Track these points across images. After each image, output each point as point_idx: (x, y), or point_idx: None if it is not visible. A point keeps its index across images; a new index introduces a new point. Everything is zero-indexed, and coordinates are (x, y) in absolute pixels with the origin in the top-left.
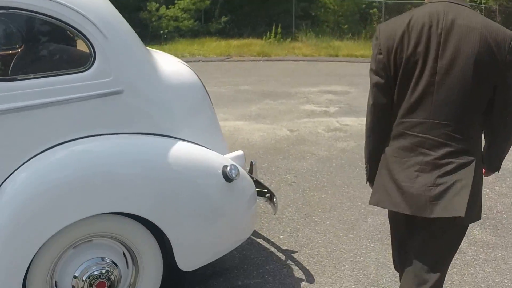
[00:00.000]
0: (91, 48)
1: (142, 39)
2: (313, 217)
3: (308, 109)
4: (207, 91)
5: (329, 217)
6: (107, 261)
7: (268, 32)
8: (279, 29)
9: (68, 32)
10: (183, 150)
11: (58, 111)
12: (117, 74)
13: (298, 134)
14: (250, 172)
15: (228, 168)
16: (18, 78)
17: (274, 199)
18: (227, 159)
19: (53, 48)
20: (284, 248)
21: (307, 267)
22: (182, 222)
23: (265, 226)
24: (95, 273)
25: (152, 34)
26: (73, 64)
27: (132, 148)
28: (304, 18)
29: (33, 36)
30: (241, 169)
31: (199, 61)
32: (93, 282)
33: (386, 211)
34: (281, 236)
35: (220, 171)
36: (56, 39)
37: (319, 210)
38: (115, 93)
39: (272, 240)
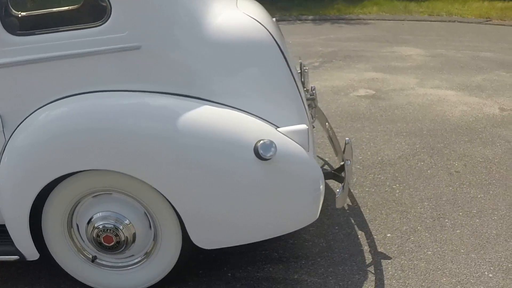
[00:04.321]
0: (107, 2)
1: None
2: (446, 220)
3: None
4: (283, 55)
5: (465, 224)
6: (123, 219)
7: None
8: None
9: None
10: (209, 115)
11: (72, 65)
12: (133, 29)
13: (509, 114)
14: (343, 152)
15: (261, 143)
16: (36, 32)
17: (338, 190)
18: (273, 133)
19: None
20: (379, 250)
21: (385, 281)
22: (194, 195)
23: (381, 217)
24: (106, 225)
25: None
26: (89, 19)
27: (142, 107)
28: None
29: None
30: (292, 148)
31: (454, 21)
32: (101, 234)
33: None
34: (389, 235)
35: (252, 146)
36: None
37: (460, 213)
38: (129, 48)
39: (375, 236)
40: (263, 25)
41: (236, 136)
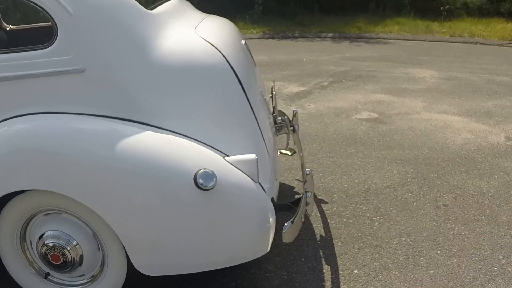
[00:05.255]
0: (54, 25)
1: (423, 13)
2: (421, 259)
3: None
4: (239, 80)
5: (441, 263)
6: (71, 240)
7: None
8: None
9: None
10: (150, 140)
11: (16, 86)
12: (78, 52)
13: None
14: (304, 183)
15: (201, 172)
16: None
17: (286, 224)
18: (217, 161)
19: (20, 24)
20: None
21: None
22: (132, 220)
23: (352, 252)
24: (54, 244)
25: (436, 9)
26: (36, 41)
27: (82, 130)
28: None
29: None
30: (237, 178)
31: (476, 43)
32: (49, 252)
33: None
34: (356, 271)
35: (192, 175)
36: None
37: (438, 251)
38: (74, 71)
39: (342, 271)
40: (217, 49)
41: (176, 164)
